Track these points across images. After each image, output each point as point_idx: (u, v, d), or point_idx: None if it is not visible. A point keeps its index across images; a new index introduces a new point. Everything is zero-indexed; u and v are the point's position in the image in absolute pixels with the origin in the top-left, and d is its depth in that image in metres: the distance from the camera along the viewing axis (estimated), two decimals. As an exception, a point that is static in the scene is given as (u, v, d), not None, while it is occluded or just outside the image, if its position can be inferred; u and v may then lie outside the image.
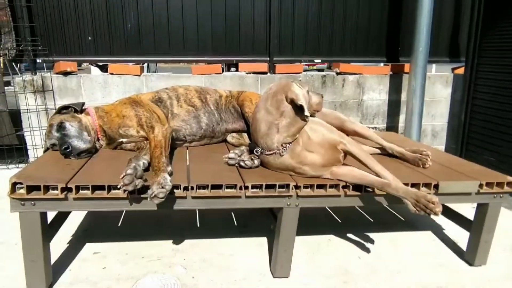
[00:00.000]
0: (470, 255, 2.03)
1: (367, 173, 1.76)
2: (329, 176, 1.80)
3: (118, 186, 1.58)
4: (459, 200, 1.92)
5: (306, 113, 1.68)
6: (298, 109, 1.71)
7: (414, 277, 1.92)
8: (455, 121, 3.81)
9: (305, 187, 1.76)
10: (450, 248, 2.21)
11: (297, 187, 1.74)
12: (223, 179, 1.74)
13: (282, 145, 1.76)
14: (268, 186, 1.73)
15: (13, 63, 3.61)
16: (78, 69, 3.46)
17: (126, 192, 1.60)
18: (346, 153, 1.81)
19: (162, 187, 1.57)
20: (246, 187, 1.71)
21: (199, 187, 1.69)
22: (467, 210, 2.21)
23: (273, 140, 1.76)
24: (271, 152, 1.79)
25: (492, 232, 1.97)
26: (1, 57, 3.17)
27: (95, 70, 3.91)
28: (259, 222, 2.42)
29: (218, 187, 1.71)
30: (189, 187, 1.67)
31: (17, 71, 3.54)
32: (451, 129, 3.96)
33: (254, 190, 1.72)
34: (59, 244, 2.11)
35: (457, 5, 3.88)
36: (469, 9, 3.76)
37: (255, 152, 1.86)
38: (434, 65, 4.77)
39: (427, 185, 1.83)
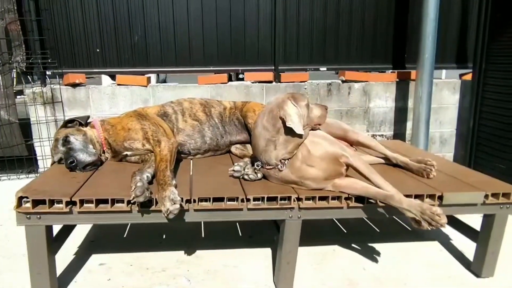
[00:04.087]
0: (477, 267, 2.00)
1: (370, 185, 1.75)
2: (332, 188, 1.79)
3: (131, 199, 1.61)
4: (465, 211, 1.90)
5: (299, 132, 1.65)
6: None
7: (420, 289, 1.90)
8: (464, 127, 3.75)
9: (307, 199, 1.75)
10: (457, 259, 2.17)
11: (299, 199, 1.74)
12: (225, 191, 1.75)
13: (280, 161, 1.76)
14: (270, 199, 1.73)
15: (22, 76, 3.68)
16: (89, 77, 3.51)
17: (137, 203, 1.63)
18: (349, 166, 1.80)
19: (174, 203, 1.59)
20: (248, 200, 1.71)
21: (201, 199, 1.70)
22: (476, 220, 2.17)
23: (271, 156, 1.76)
24: (271, 167, 1.79)
25: (499, 243, 1.93)
26: (13, 70, 3.24)
27: (105, 78, 3.99)
28: (264, 233, 2.42)
29: (220, 199, 1.72)
30: (191, 200, 1.69)
31: (24, 82, 3.60)
32: (459, 136, 3.91)
33: (256, 202, 1.72)
34: (65, 255, 2.13)
35: (464, 11, 3.84)
36: (476, 14, 3.72)
37: (256, 166, 1.86)
38: (444, 71, 4.71)
39: (431, 196, 1.81)
